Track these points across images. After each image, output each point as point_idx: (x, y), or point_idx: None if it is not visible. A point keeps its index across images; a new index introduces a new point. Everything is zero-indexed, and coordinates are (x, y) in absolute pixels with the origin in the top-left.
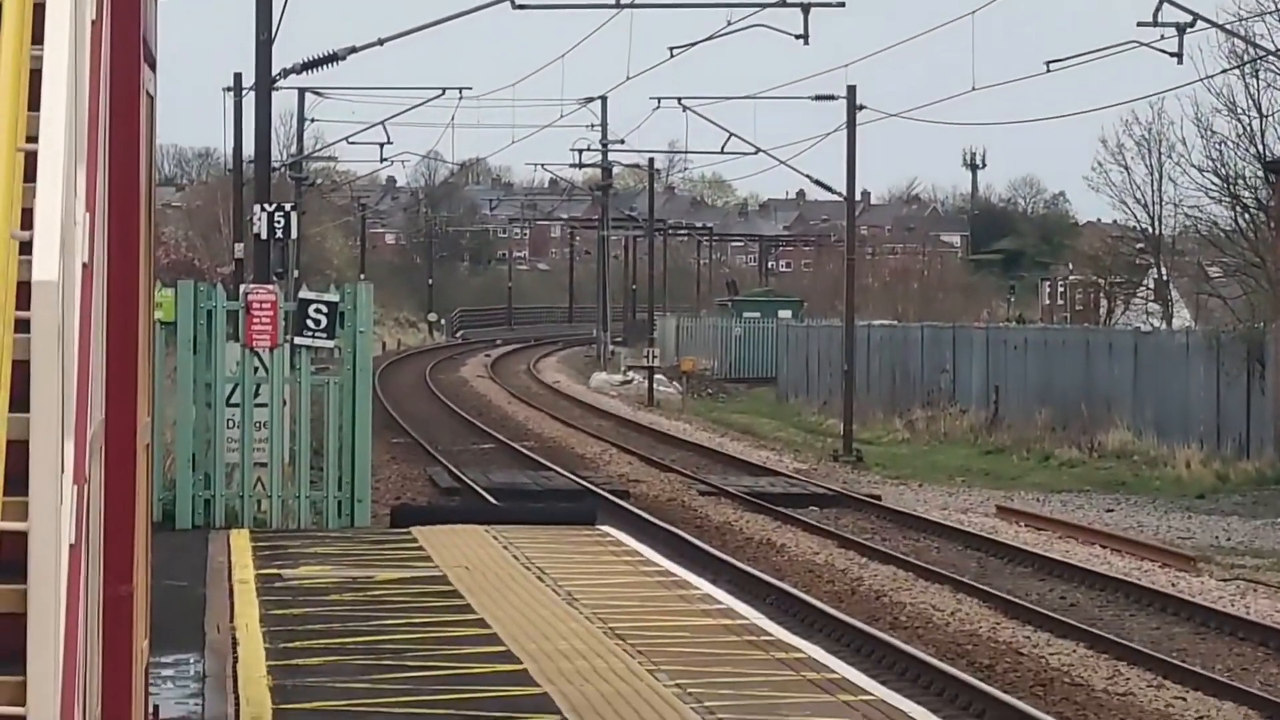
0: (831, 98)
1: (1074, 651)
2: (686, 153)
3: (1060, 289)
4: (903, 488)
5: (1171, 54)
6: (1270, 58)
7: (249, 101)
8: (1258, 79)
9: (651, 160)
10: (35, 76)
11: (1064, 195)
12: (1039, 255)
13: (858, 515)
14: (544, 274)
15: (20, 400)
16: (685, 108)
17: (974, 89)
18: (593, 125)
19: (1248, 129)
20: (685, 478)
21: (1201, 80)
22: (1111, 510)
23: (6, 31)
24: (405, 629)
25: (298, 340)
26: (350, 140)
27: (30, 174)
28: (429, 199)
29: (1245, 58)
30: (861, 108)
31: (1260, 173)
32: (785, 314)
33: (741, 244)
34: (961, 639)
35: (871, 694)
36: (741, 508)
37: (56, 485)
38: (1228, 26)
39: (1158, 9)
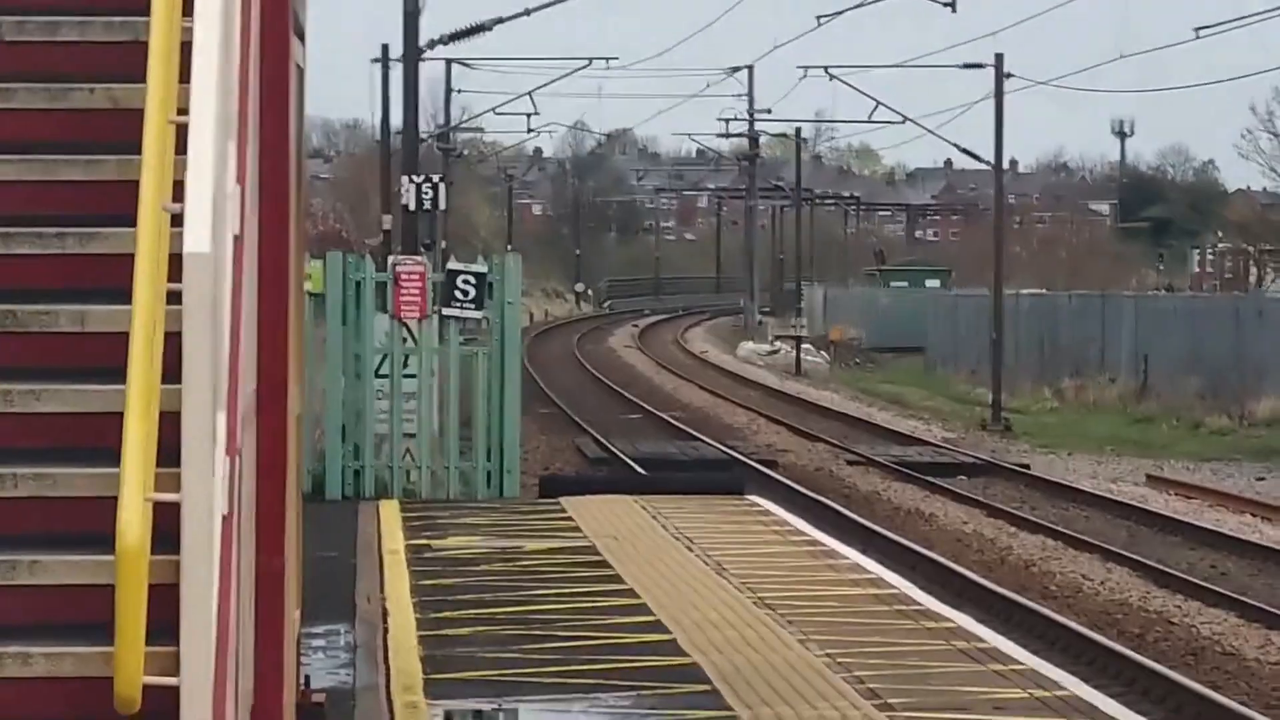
0: (979, 66)
1: (1225, 620)
2: (833, 122)
3: (1209, 257)
4: (1051, 457)
5: None
6: None
7: (396, 73)
8: None
9: (798, 129)
10: (185, 49)
11: (1213, 163)
12: (1188, 224)
13: (1006, 484)
14: (691, 244)
15: (173, 372)
16: (832, 76)
17: (1122, 56)
18: (739, 95)
19: None
20: (833, 447)
21: None
22: (1263, 479)
23: (157, 4)
24: (554, 599)
25: (446, 311)
26: (497, 111)
27: (181, 146)
28: (576, 169)
29: None
30: (1009, 76)
31: None
32: (933, 283)
33: (889, 213)
34: (1111, 608)
35: (1023, 663)
36: (889, 477)
37: (209, 456)
38: None
39: None
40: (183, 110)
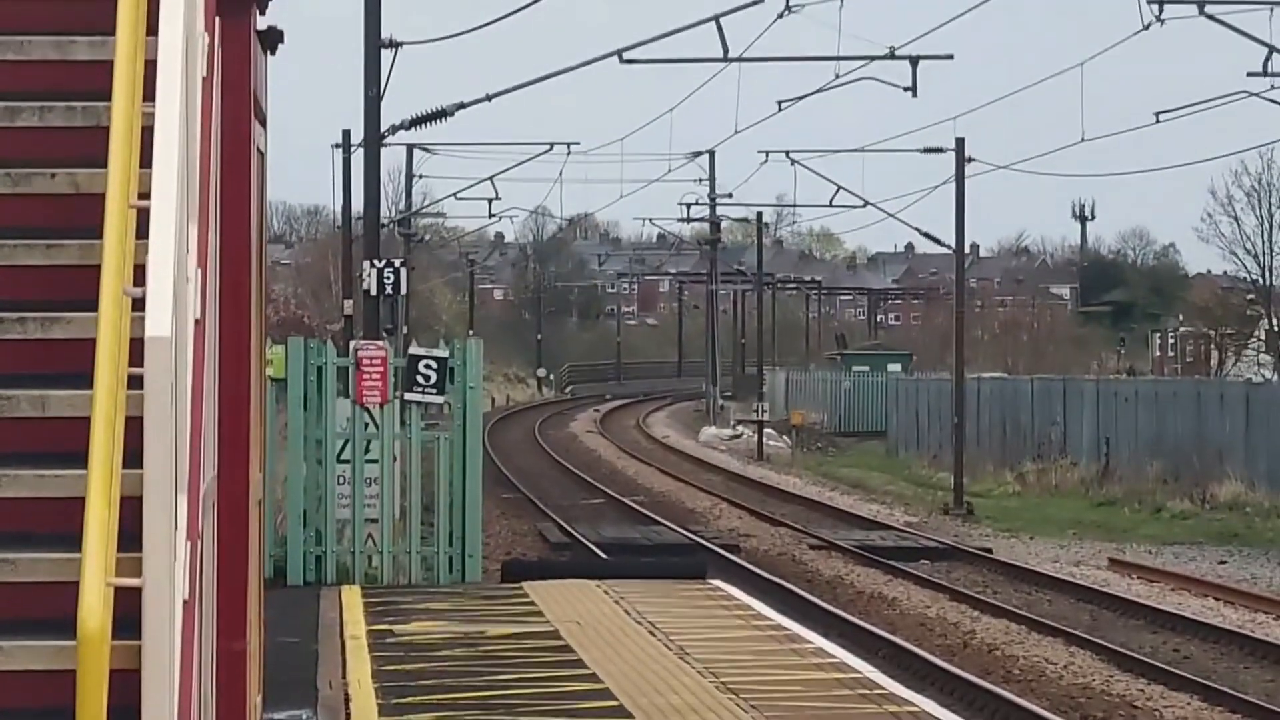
0: (940, 150)
1: (1188, 704)
2: (794, 206)
3: (1171, 340)
4: (1014, 540)
5: None
6: None
7: (358, 158)
8: None
9: (760, 214)
10: (147, 133)
11: (1174, 247)
12: (1149, 307)
13: (969, 568)
14: (652, 329)
15: (135, 456)
16: (793, 161)
17: (1083, 140)
18: (701, 179)
19: None
20: (796, 532)
21: None
22: (1225, 562)
23: (118, 88)
24: (517, 684)
25: (408, 396)
26: (458, 196)
27: (143, 231)
28: (537, 254)
29: None
30: (970, 160)
31: None
32: (895, 367)
33: (850, 297)
34: (1075, 692)
35: None
36: (852, 562)
37: (170, 541)
38: None
39: (1267, 59)
40: (144, 194)
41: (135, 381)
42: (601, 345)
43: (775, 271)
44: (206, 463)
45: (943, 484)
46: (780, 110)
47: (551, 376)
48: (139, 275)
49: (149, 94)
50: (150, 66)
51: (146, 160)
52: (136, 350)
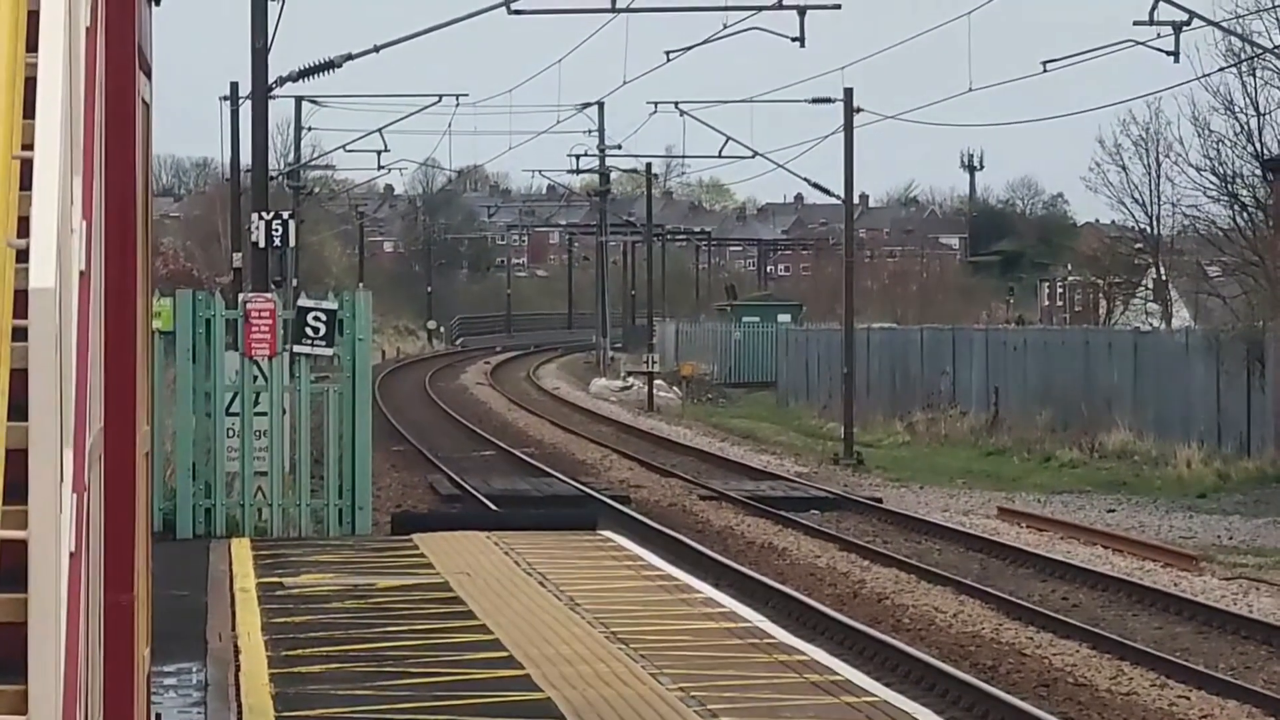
0: (828, 100)
1: (1077, 652)
2: (684, 157)
3: (1059, 290)
4: (904, 490)
5: (1168, 53)
6: (1267, 55)
7: (245, 110)
8: (1255, 77)
9: (649, 165)
10: (30, 84)
11: (1062, 196)
12: (1038, 256)
13: (859, 518)
14: (543, 280)
15: (19, 409)
16: (682, 112)
17: (971, 90)
18: (590, 131)
19: (1245, 127)
20: (686, 482)
21: (1198, 79)
22: (1113, 510)
23: (0, 38)
24: (407, 636)
25: (297, 349)
26: (347, 148)
27: (26, 182)
28: (427, 206)
29: (1242, 56)
30: (859, 110)
31: (1258, 171)
32: (784, 318)
33: (740, 248)
34: (964, 640)
35: (875, 695)
36: (743, 512)
37: (56, 494)
38: (1224, 24)
39: (1154, 7)
40: (27, 145)
41: (19, 334)
42: (492, 297)
43: (665, 223)
44: (92, 415)
45: (833, 434)
46: (669, 61)
47: (442, 329)
48: (22, 227)
49: (32, 44)
50: (33, 17)
51: (30, 111)
52: (20, 302)
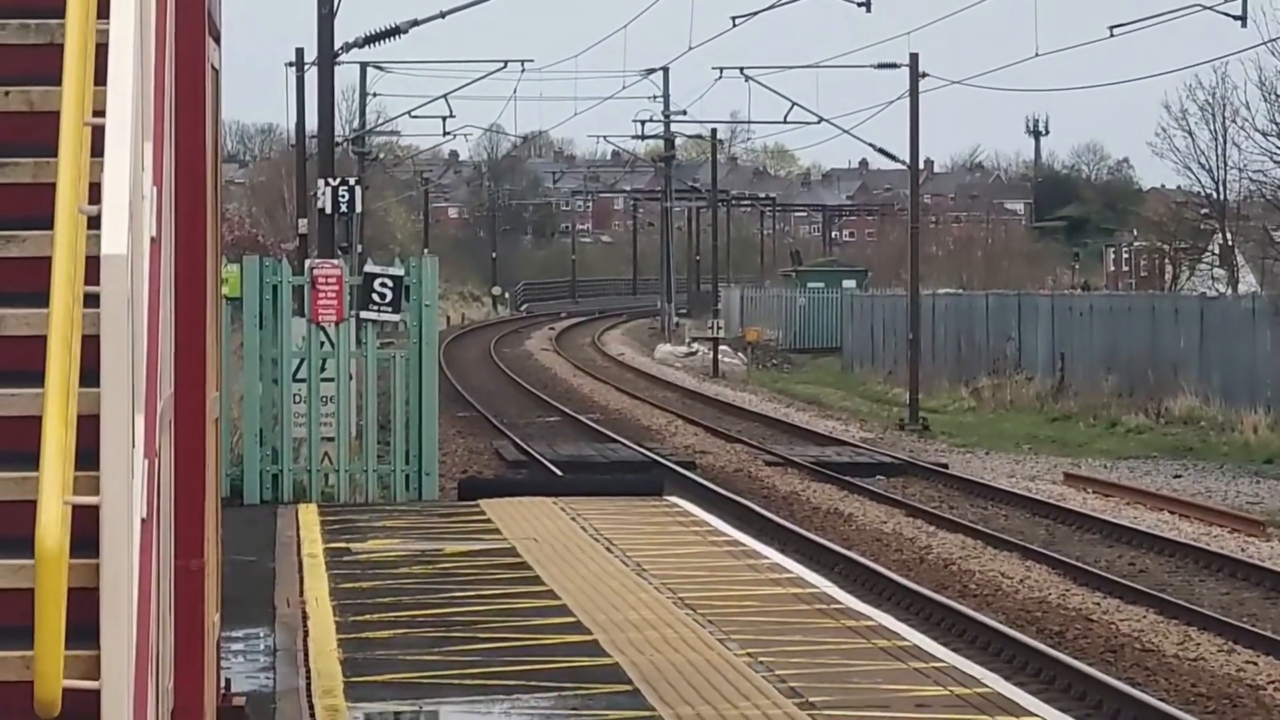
0: (894, 65)
1: (1144, 617)
2: (749, 123)
3: (1125, 255)
4: (969, 456)
5: (1235, 17)
6: None
7: (311, 76)
8: None
9: (714, 131)
10: (101, 50)
11: (1128, 161)
12: (1103, 222)
13: (925, 484)
14: (608, 246)
15: (91, 374)
16: (747, 78)
17: (1037, 55)
18: (655, 96)
19: None
20: (751, 448)
21: (1266, 43)
22: (1179, 476)
23: (73, 4)
24: (474, 601)
25: (363, 315)
26: (413, 114)
27: (98, 148)
28: (492, 172)
29: None
30: (924, 75)
31: None
32: (849, 284)
33: (805, 214)
34: (1031, 606)
35: (943, 660)
36: (808, 477)
37: (128, 460)
38: None
39: None
40: (99, 112)
41: (91, 300)
42: (556, 263)
43: (730, 188)
44: (163, 381)
45: (898, 400)
46: (735, 26)
47: (507, 295)
48: (94, 193)
49: (103, 10)
50: None
51: (101, 78)
52: (92, 268)
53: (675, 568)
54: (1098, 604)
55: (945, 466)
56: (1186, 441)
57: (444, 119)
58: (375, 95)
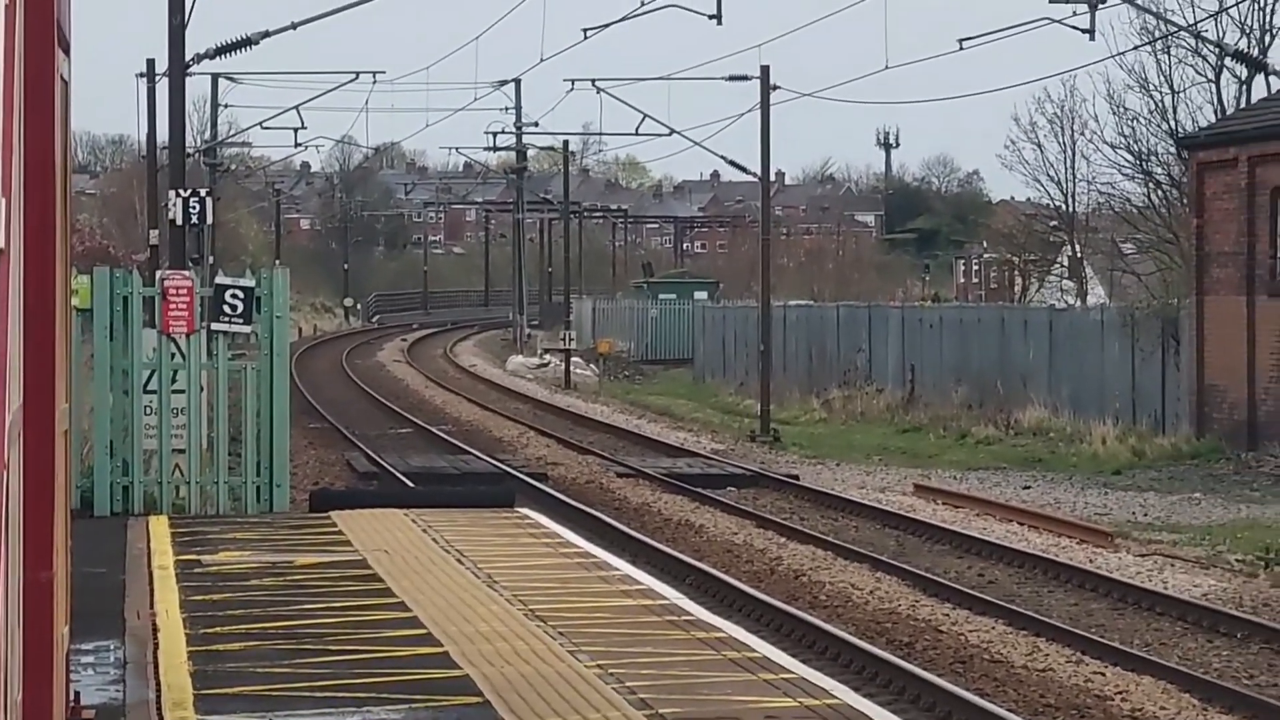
0: (745, 78)
1: (993, 628)
2: (601, 135)
3: (975, 267)
4: (820, 467)
5: (1084, 30)
6: (1181, 33)
7: (163, 87)
8: (1169, 55)
9: (566, 143)
10: None
11: (978, 174)
12: (953, 234)
13: (776, 495)
14: (459, 258)
15: None
16: (599, 89)
17: (887, 68)
18: (507, 108)
19: (1159, 105)
20: (603, 459)
21: (1113, 57)
22: (1028, 487)
23: None
24: (325, 613)
25: (214, 326)
26: (264, 125)
27: None
28: (343, 184)
29: (1156, 34)
30: (775, 88)
31: (1172, 149)
32: (701, 295)
33: (656, 226)
34: (881, 617)
35: (792, 672)
36: (659, 489)
37: None
38: (1139, 2)
39: None
40: None
41: None
42: (408, 274)
43: (582, 200)
44: (12, 392)
45: (749, 411)
46: (586, 38)
47: (359, 306)
48: None
49: None
50: None
51: None
52: None
53: (526, 579)
54: (947, 615)
55: (796, 478)
56: (1036, 453)
57: (296, 130)
58: (227, 106)
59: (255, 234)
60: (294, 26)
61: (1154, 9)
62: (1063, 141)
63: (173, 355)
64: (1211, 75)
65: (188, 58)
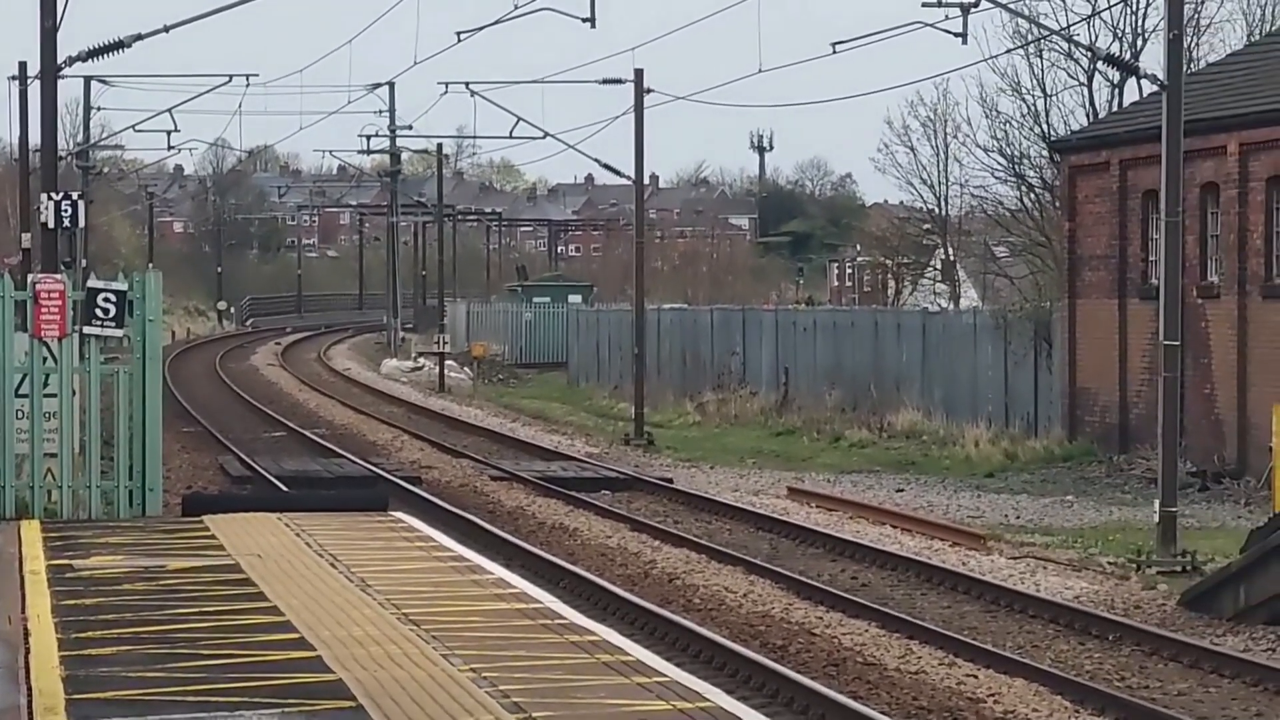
0: (619, 81)
1: (866, 631)
2: (475, 138)
3: (849, 270)
4: (695, 470)
5: (956, 34)
6: (1053, 37)
7: (34, 90)
8: (1041, 59)
9: (440, 146)
10: None
11: (851, 177)
12: (827, 237)
13: (650, 498)
14: (334, 261)
15: None
16: (473, 93)
17: (761, 71)
18: (381, 111)
19: (1032, 109)
20: (477, 463)
21: (986, 60)
22: (902, 490)
23: None
24: (198, 617)
25: (86, 329)
26: (137, 128)
27: None
28: (217, 187)
29: (1029, 37)
30: (649, 91)
31: (1045, 152)
32: (575, 299)
33: (531, 229)
34: (755, 620)
35: (666, 675)
36: (534, 493)
37: None
38: (1011, 6)
39: None
40: None
41: None
42: (282, 278)
43: (456, 203)
44: None
45: (624, 414)
46: (460, 41)
47: (232, 309)
48: None
49: None
50: None
51: None
52: None
53: (400, 583)
54: (821, 618)
55: (670, 481)
56: (909, 456)
57: (169, 133)
58: (99, 109)
59: (129, 237)
60: (167, 29)
61: (1026, 13)
62: (936, 144)
63: (45, 359)
64: (1084, 79)
65: (60, 60)
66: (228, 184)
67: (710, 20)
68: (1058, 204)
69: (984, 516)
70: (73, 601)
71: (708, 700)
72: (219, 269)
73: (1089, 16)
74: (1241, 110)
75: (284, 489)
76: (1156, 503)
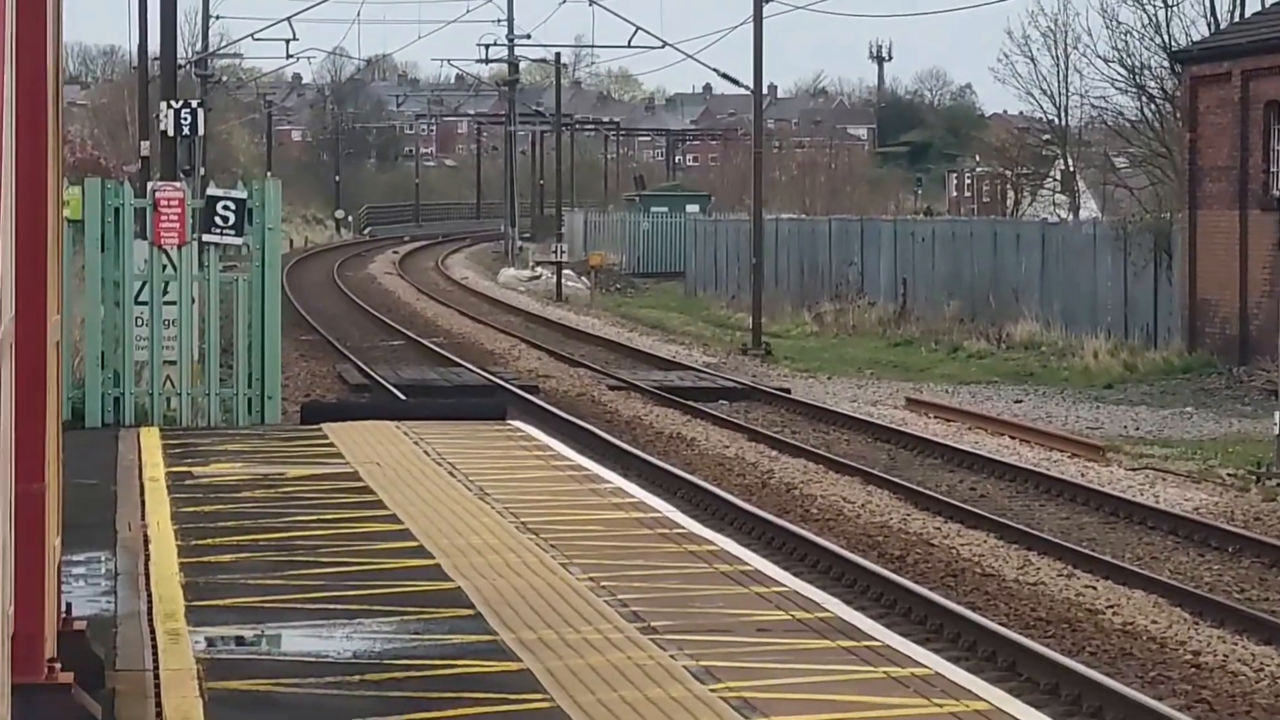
0: None
1: (984, 542)
2: (593, 47)
3: (967, 181)
4: (812, 381)
5: None
6: None
7: None
8: None
9: (558, 55)
10: None
11: (970, 88)
12: (946, 148)
13: (767, 408)
14: (451, 170)
15: None
16: (592, 1)
17: None
18: (499, 20)
19: (1153, 19)
20: (595, 372)
21: None
22: (1020, 401)
23: None
24: (317, 525)
25: (206, 238)
26: (256, 37)
27: None
28: (335, 96)
29: None
30: (769, 0)
31: (1165, 63)
32: (693, 208)
33: (649, 139)
34: (872, 530)
35: (784, 585)
36: (651, 402)
37: None
38: None
39: None
40: None
41: None
42: (400, 187)
43: (573, 113)
44: (3, 305)
45: (741, 324)
46: None
47: (350, 218)
48: None
49: None
50: None
51: None
52: None
53: (518, 492)
54: (938, 529)
55: (788, 391)
56: (1028, 367)
57: (287, 42)
58: (218, 18)
59: (247, 146)
60: None
61: None
62: (1056, 55)
63: (164, 267)
64: None
65: None
66: (346, 93)
67: None
68: (1178, 115)
69: (1103, 428)
70: (192, 509)
71: (826, 610)
72: (337, 178)
73: None
74: None
75: (402, 397)
76: (1277, 414)
